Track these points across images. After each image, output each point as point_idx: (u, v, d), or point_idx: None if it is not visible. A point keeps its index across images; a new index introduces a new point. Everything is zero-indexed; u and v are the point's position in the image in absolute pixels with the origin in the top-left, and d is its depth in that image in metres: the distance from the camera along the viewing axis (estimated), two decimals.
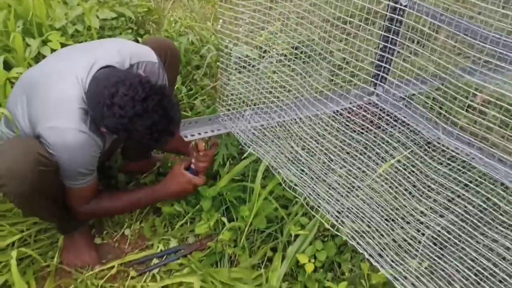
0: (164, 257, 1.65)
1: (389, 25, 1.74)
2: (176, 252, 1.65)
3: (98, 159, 1.46)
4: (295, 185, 1.40)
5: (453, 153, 1.63)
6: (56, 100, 1.36)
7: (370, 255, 1.20)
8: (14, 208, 1.72)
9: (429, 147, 1.69)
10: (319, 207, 1.35)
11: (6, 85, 1.78)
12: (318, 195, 1.40)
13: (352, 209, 1.38)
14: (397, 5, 1.68)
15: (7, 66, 1.94)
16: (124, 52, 1.45)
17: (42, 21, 2.12)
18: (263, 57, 1.56)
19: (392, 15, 1.69)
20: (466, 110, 1.55)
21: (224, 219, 1.58)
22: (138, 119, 1.27)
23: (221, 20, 1.41)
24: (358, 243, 1.22)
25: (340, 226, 1.29)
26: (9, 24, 1.99)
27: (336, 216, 1.35)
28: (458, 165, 1.60)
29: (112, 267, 1.61)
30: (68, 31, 2.18)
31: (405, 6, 1.71)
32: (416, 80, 1.63)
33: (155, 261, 1.64)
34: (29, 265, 1.61)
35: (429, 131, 1.72)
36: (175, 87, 1.96)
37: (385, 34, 1.75)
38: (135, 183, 1.93)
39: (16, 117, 1.43)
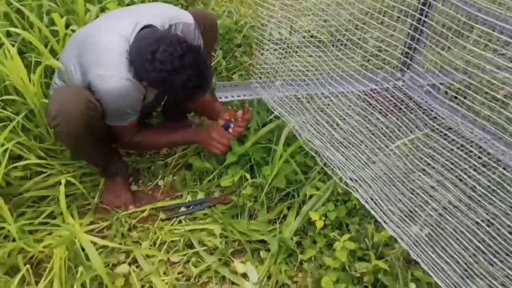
0: (191, 207, 1.82)
1: (419, 16, 1.83)
2: (202, 204, 1.82)
3: (141, 106, 1.65)
4: (316, 151, 1.54)
5: (469, 139, 1.73)
6: (104, 51, 1.55)
7: (374, 211, 1.33)
8: (65, 151, 1.93)
9: (447, 132, 1.79)
10: (333, 169, 1.48)
11: (65, 39, 1.99)
12: (336, 159, 1.53)
13: (367, 177, 1.51)
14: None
15: (69, 27, 2.17)
16: (164, 14, 1.64)
17: None
18: (296, 31, 1.71)
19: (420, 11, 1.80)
20: (489, 101, 1.65)
21: (247, 175, 1.74)
22: (175, 73, 1.45)
23: None
24: (366, 201, 1.35)
25: (353, 185, 1.42)
26: None
27: (351, 179, 1.48)
28: (472, 150, 1.70)
29: (145, 210, 1.80)
30: (125, 1, 2.39)
31: None
32: (442, 71, 1.74)
33: (182, 209, 1.82)
34: (73, 201, 1.83)
35: (448, 117, 1.82)
36: (214, 56, 2.14)
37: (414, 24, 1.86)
38: None
39: (69, 68, 1.63)
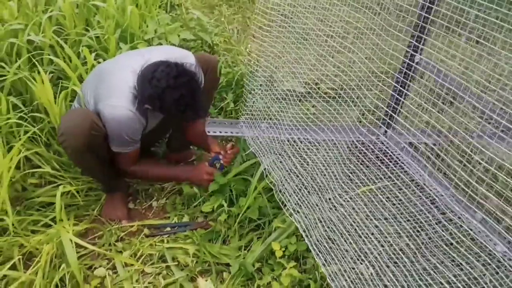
0: (176, 227, 2.02)
1: (402, 78, 2.00)
2: (185, 226, 2.02)
3: (141, 135, 1.89)
4: (280, 190, 1.71)
5: (432, 196, 1.84)
6: (115, 85, 1.82)
7: (317, 254, 1.48)
8: (76, 167, 2.20)
9: (413, 186, 1.91)
10: (293, 212, 1.64)
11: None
12: (298, 204, 1.69)
13: (327, 221, 1.65)
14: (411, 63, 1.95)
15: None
16: (170, 55, 1.89)
17: (135, 32, 2.67)
18: (283, 79, 1.92)
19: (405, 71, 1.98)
20: (463, 164, 1.78)
21: (224, 203, 1.92)
22: (169, 90, 1.70)
23: (249, 45, 1.81)
24: (312, 245, 1.50)
25: (304, 228, 1.57)
26: (109, 30, 2.56)
27: (307, 225, 1.62)
28: (430, 206, 1.81)
29: (133, 225, 2.01)
30: (153, 43, 2.70)
31: (417, 63, 1.98)
32: (421, 132, 1.89)
33: (167, 229, 2.01)
34: (75, 210, 2.07)
35: (418, 173, 1.95)
36: (215, 96, 2.42)
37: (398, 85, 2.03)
38: None
39: (86, 97, 1.91)
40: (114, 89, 1.82)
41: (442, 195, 1.81)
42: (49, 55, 2.40)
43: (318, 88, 2.13)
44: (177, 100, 1.72)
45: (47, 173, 2.13)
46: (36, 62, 2.26)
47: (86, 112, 1.81)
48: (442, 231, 1.63)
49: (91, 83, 1.92)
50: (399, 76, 1.98)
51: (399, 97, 2.01)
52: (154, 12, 2.94)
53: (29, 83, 2.18)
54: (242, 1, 4.29)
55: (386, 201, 1.78)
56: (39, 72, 2.15)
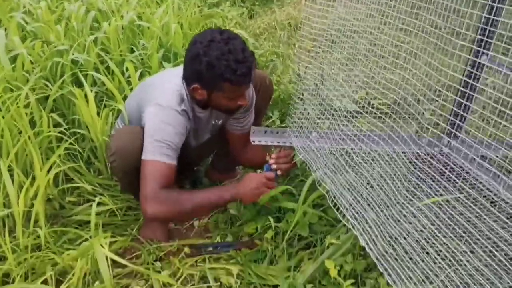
0: (218, 247, 1.86)
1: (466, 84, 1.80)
2: (229, 246, 1.85)
3: (186, 152, 1.77)
4: (334, 197, 1.53)
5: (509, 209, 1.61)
6: (162, 88, 1.74)
7: (386, 271, 1.28)
8: (116, 185, 2.10)
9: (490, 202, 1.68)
10: (353, 227, 1.45)
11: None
12: (358, 214, 1.50)
13: (392, 237, 1.45)
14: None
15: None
16: None
17: (177, 51, 2.62)
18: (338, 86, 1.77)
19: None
20: None
21: (271, 219, 1.74)
22: (214, 44, 1.56)
23: (297, 45, 1.68)
24: (381, 264, 1.31)
25: (370, 248, 1.38)
26: (153, 49, 2.51)
27: (368, 239, 1.43)
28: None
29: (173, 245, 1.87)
30: None
31: (482, 66, 1.79)
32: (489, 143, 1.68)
33: (209, 249, 1.85)
34: (112, 229, 1.95)
35: (490, 184, 1.72)
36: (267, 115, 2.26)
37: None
38: None
39: (129, 108, 1.83)
40: (159, 92, 1.73)
41: None
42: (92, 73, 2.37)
43: (372, 105, 1.96)
44: (225, 54, 1.54)
45: (86, 191, 2.05)
46: (81, 77, 2.20)
47: (137, 131, 1.72)
48: None
49: (136, 95, 1.85)
50: (464, 91, 1.78)
51: (458, 112, 1.80)
52: (197, 32, 2.89)
53: (72, 99, 2.13)
54: (287, 29, 4.23)
55: (454, 216, 1.56)
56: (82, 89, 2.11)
